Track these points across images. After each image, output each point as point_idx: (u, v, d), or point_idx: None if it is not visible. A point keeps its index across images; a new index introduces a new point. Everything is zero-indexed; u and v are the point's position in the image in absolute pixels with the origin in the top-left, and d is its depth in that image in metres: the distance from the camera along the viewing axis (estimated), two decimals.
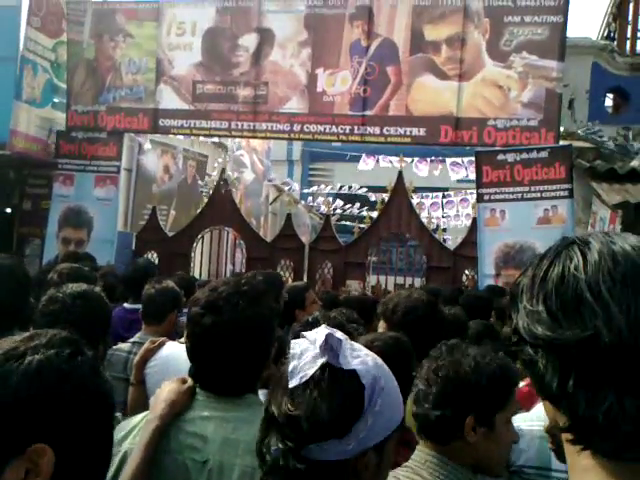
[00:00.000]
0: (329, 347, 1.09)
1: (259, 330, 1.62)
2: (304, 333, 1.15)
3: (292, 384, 1.08)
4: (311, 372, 1.08)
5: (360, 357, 1.12)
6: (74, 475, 0.94)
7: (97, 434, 0.98)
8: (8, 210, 8.42)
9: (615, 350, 0.70)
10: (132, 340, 3.16)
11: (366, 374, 1.09)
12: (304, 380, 1.07)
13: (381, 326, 2.56)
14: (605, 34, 10.10)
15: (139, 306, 3.46)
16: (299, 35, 7.34)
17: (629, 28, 9.89)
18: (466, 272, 7.58)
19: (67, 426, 0.92)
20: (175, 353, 2.57)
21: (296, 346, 1.13)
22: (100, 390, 0.99)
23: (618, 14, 9.90)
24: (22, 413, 0.89)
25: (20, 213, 8.27)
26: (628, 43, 9.83)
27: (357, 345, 1.16)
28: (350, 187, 14.15)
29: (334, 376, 1.08)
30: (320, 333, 1.11)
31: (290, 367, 1.10)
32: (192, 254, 8.22)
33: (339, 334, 1.13)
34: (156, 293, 3.27)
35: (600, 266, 0.74)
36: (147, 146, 9.25)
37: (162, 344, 2.74)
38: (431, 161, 10.75)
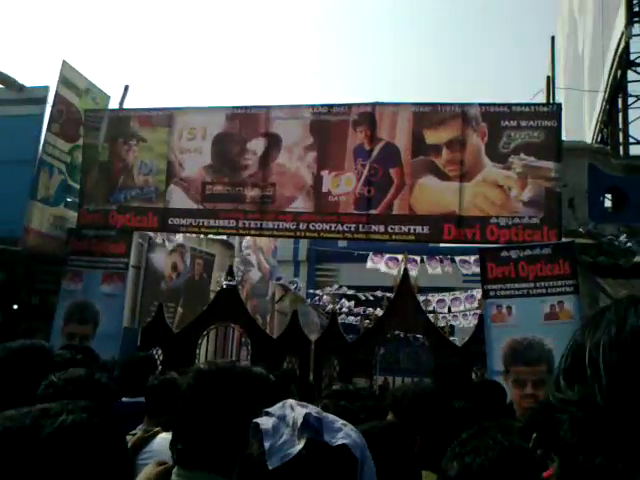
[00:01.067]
0: (310, 424, 1.04)
1: (241, 405, 1.56)
2: (268, 410, 1.10)
3: (272, 465, 0.99)
4: (295, 451, 1.00)
5: (342, 430, 1.07)
6: None
7: None
8: (15, 306, 8.46)
9: (604, 412, 0.71)
10: (133, 432, 3.10)
11: (355, 447, 1.04)
12: (285, 460, 0.99)
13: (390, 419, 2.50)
14: (598, 138, 10.50)
15: (139, 399, 3.40)
16: (305, 140, 7.65)
17: (620, 134, 10.32)
18: (475, 369, 7.45)
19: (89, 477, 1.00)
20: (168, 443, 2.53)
21: (264, 424, 1.06)
22: (120, 449, 1.09)
23: (609, 121, 10.33)
24: (50, 464, 0.97)
25: (27, 308, 8.31)
26: (621, 147, 10.20)
27: (331, 416, 1.11)
28: (356, 287, 14.21)
29: (324, 453, 1.01)
30: (295, 410, 1.07)
31: (266, 446, 1.02)
32: (197, 351, 8.16)
33: (313, 409, 1.08)
34: (159, 385, 3.24)
35: (604, 332, 0.77)
36: (158, 240, 9.39)
37: (155, 434, 2.68)
38: (440, 260, 10.85)
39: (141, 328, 8.55)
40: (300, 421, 1.03)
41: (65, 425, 1.01)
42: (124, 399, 3.82)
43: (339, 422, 1.09)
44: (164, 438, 2.63)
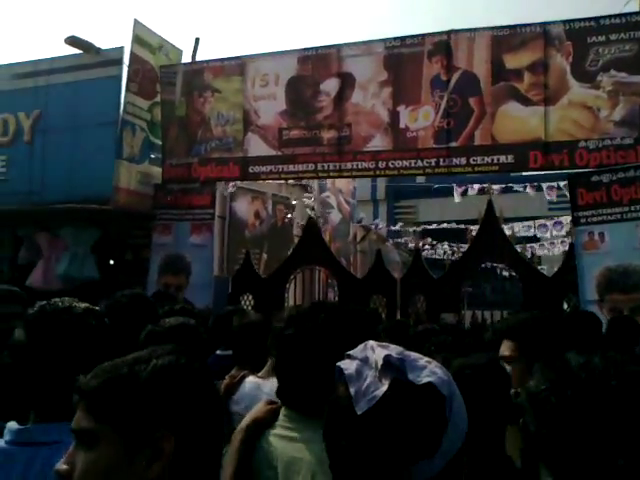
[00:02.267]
0: (393, 365, 1.03)
1: (337, 345, 1.55)
2: (350, 353, 1.10)
3: (360, 409, 0.99)
4: (380, 393, 0.99)
5: (427, 367, 1.05)
6: (190, 457, 1.11)
7: (208, 423, 1.16)
8: (111, 262, 8.94)
9: None
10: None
11: (442, 384, 1.02)
12: (372, 404, 0.99)
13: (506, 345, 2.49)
14: None
15: (229, 352, 3.49)
16: (379, 76, 7.49)
17: None
18: (566, 300, 7.30)
19: (184, 416, 1.11)
20: (257, 388, 2.61)
21: (346, 368, 1.06)
22: (209, 387, 1.19)
23: None
24: (150, 405, 1.08)
25: (122, 263, 8.77)
26: None
27: (414, 354, 1.08)
28: (438, 222, 14.03)
29: (410, 394, 1.00)
30: (375, 351, 1.06)
31: (352, 391, 1.01)
32: (286, 295, 8.39)
33: (394, 349, 1.07)
34: (241, 330, 3.29)
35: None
36: (230, 190, 9.54)
37: (243, 378, 2.74)
38: (525, 187, 10.50)
39: (231, 276, 8.83)
40: (381, 362, 1.03)
41: (157, 368, 1.12)
42: (218, 352, 3.87)
43: (423, 360, 1.07)
44: (252, 382, 2.70)
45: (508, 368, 2.33)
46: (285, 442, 1.61)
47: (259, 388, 2.64)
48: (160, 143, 8.60)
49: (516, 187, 11.06)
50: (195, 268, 8.05)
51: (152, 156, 8.74)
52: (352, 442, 1.00)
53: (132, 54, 8.18)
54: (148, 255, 8.33)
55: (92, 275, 8.37)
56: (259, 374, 2.74)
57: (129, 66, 8.18)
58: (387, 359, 1.03)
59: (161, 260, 8.21)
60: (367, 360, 1.05)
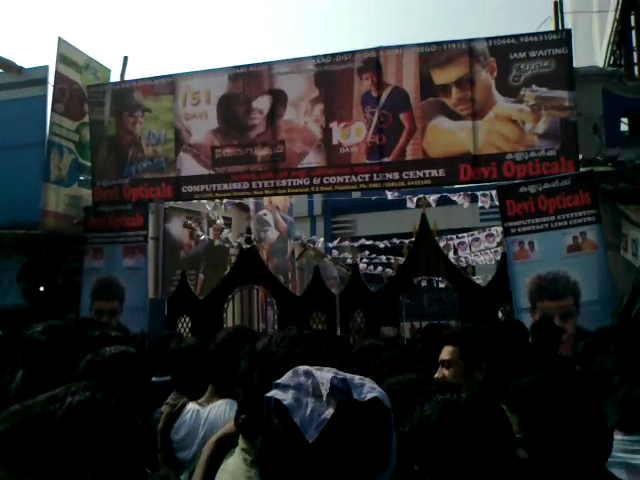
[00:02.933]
0: (336, 387, 1.03)
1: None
2: (278, 382, 1.08)
3: (311, 438, 0.98)
4: (328, 415, 0.99)
5: (365, 384, 1.06)
6: None
7: (127, 457, 1.13)
8: (41, 288, 8.61)
9: None
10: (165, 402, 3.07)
11: (384, 398, 1.04)
12: (321, 428, 0.98)
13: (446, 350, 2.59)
14: (611, 61, 10.21)
15: (166, 378, 3.42)
16: (311, 93, 7.56)
17: (635, 54, 10.02)
18: (501, 308, 7.49)
19: (103, 452, 1.07)
20: (197, 415, 2.54)
21: (283, 399, 1.03)
22: (127, 421, 1.15)
23: (621, 42, 10.03)
24: (67, 445, 1.03)
25: (54, 289, 8.45)
26: (636, 68, 9.93)
27: (349, 374, 1.09)
28: (374, 237, 14.20)
29: (358, 411, 1.01)
30: (312, 376, 1.06)
31: (297, 421, 1.00)
32: (224, 315, 8.27)
33: (332, 371, 1.07)
34: (180, 355, 3.20)
35: None
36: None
37: (183, 406, 2.66)
38: (461, 195, 10.74)
39: (167, 298, 8.65)
40: (328, 386, 1.02)
41: (72, 406, 1.08)
42: (154, 378, 3.74)
43: (357, 377, 1.08)
44: (192, 409, 2.62)
45: (446, 372, 2.48)
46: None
47: (199, 415, 2.58)
48: (89, 164, 8.39)
49: (450, 198, 11.30)
50: (129, 291, 7.86)
51: (81, 178, 8.52)
52: (304, 471, 0.98)
53: (57, 73, 7.97)
54: (80, 280, 8.07)
55: (17, 302, 8.04)
56: (199, 400, 2.66)
57: (54, 86, 7.97)
58: (332, 381, 1.03)
59: (93, 285, 8.00)
60: (301, 386, 1.04)
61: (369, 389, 1.05)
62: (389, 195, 11.16)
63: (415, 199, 10.83)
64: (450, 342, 2.58)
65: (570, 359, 3.78)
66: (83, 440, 1.04)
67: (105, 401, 1.12)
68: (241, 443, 1.61)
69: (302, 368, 1.09)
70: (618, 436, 1.80)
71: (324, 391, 1.02)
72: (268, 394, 1.07)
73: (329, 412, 0.99)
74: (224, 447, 1.69)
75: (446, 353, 2.56)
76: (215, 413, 2.52)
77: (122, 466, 1.09)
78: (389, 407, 1.04)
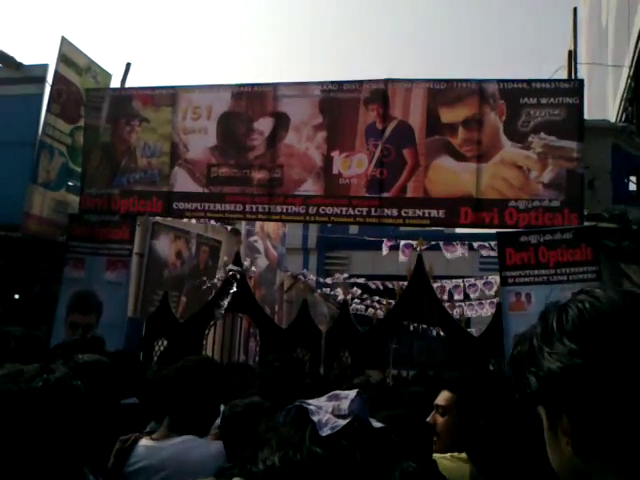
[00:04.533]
0: (359, 404, 1.16)
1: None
2: (306, 401, 1.21)
3: (324, 432, 1.10)
4: (343, 423, 1.12)
5: (374, 420, 1.20)
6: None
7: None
8: (16, 296, 8.57)
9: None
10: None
11: (390, 432, 1.17)
12: (337, 429, 1.10)
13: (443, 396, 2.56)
14: (623, 117, 10.40)
15: (131, 401, 3.39)
16: (314, 119, 7.67)
17: None
18: (492, 362, 7.47)
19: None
20: (152, 452, 2.46)
21: (309, 406, 1.17)
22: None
23: (634, 99, 10.23)
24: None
25: (29, 297, 8.42)
26: None
27: None
28: (368, 276, 14.22)
29: (369, 431, 1.13)
30: (347, 393, 1.19)
31: (315, 419, 1.13)
32: (204, 342, 8.23)
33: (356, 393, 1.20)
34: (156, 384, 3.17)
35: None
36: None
37: (135, 442, 2.57)
38: (456, 245, 10.82)
39: (145, 318, 8.62)
40: (347, 403, 1.14)
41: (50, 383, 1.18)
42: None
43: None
44: (146, 445, 2.53)
45: (439, 419, 2.44)
46: None
47: (155, 453, 2.50)
48: (79, 170, 8.44)
49: (445, 246, 11.37)
50: (108, 307, 7.81)
51: (70, 183, 8.56)
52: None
53: (57, 73, 8.09)
54: (58, 289, 8.03)
55: None
56: (154, 436, 2.61)
57: (52, 85, 8.08)
58: (358, 395, 1.16)
59: (71, 296, 7.95)
60: (321, 407, 1.16)
61: (379, 423, 1.18)
62: (385, 242, 11.26)
63: (408, 250, 10.88)
64: (448, 387, 2.53)
65: None
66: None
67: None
68: None
69: (336, 392, 1.22)
70: None
71: (337, 411, 1.14)
72: (294, 405, 1.18)
73: (344, 422, 1.11)
74: None
75: (442, 398, 2.51)
76: (176, 451, 2.42)
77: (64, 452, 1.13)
78: (395, 440, 1.16)
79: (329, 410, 1.16)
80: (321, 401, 1.20)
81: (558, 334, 0.90)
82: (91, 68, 8.67)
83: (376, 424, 1.16)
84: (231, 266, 8.55)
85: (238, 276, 8.49)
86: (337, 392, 1.22)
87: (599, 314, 0.88)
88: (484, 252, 10.98)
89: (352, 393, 1.18)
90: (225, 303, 8.24)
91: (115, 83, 8.92)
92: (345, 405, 1.15)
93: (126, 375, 3.72)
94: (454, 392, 2.47)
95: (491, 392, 2.46)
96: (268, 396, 2.80)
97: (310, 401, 1.20)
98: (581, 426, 0.85)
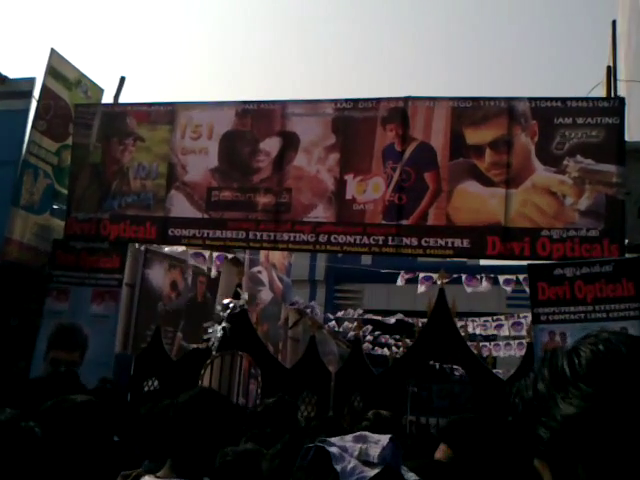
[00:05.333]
0: (391, 451, 1.14)
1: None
2: (327, 439, 1.19)
3: None
4: (371, 474, 1.10)
5: (409, 471, 1.17)
6: None
7: None
8: None
9: None
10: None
11: None
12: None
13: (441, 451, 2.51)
14: None
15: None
16: (326, 139, 7.69)
17: None
18: None
19: None
20: None
21: (330, 448, 1.15)
22: None
23: None
24: None
25: (5, 330, 8.38)
26: None
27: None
28: (383, 312, 14.17)
29: None
30: (378, 437, 1.17)
31: (337, 468, 1.11)
32: (200, 382, 8.16)
33: (389, 438, 1.18)
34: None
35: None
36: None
37: (138, 477, 2.61)
38: (481, 278, 10.76)
39: (135, 355, 8.57)
40: (386, 441, 1.13)
41: None
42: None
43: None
44: None
45: None
46: None
47: None
48: (66, 192, 8.49)
49: (472, 279, 11.31)
50: (93, 343, 7.79)
51: (55, 207, 8.61)
52: None
53: (44, 87, 8.17)
54: (38, 322, 8.01)
55: None
56: (158, 474, 2.60)
57: (39, 101, 8.15)
58: (392, 441, 1.15)
59: (52, 330, 7.93)
60: (346, 449, 1.13)
61: (414, 476, 1.17)
62: (402, 274, 11.20)
63: (427, 283, 10.81)
64: (445, 441, 2.49)
65: None
66: None
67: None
68: None
69: (363, 433, 1.20)
70: None
71: (364, 456, 1.12)
72: (313, 444, 1.16)
73: (372, 472, 1.09)
74: None
75: (441, 452, 2.47)
76: None
77: None
78: None
79: (355, 454, 1.13)
80: (346, 441, 1.16)
81: (572, 379, 0.91)
82: (82, 82, 8.75)
83: (409, 475, 1.15)
84: (231, 300, 8.51)
85: (238, 310, 8.45)
86: (366, 433, 1.19)
87: (615, 356, 0.90)
88: (509, 288, 10.91)
89: (384, 438, 1.15)
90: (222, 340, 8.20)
91: (108, 98, 9.03)
92: (375, 451, 1.12)
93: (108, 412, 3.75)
94: (451, 447, 2.43)
95: (494, 444, 2.38)
96: (258, 437, 2.81)
97: (333, 440, 1.16)
98: (600, 475, 0.85)
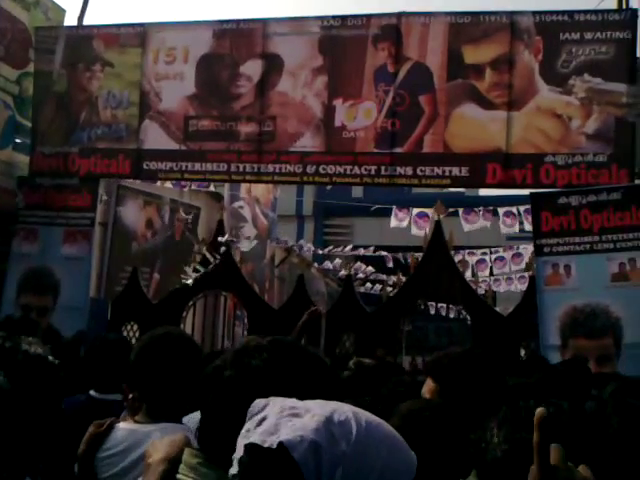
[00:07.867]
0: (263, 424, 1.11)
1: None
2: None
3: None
4: (234, 462, 1.11)
5: (297, 422, 1.08)
6: None
7: None
8: None
9: None
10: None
11: (299, 444, 1.04)
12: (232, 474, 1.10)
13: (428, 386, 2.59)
14: None
15: (111, 397, 3.48)
16: (313, 61, 7.60)
17: None
18: (523, 344, 7.52)
19: None
20: (134, 436, 2.53)
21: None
22: None
23: None
24: None
25: None
26: None
27: (302, 405, 1.15)
28: (375, 248, 14.20)
29: (258, 459, 1.07)
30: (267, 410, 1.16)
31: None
32: (182, 326, 8.24)
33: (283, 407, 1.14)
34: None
35: None
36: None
37: (110, 426, 2.62)
38: (480, 211, 10.77)
39: (111, 299, 8.62)
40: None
41: None
42: (92, 393, 3.77)
43: (310, 411, 1.13)
44: (126, 428, 2.60)
45: None
46: None
47: (136, 436, 2.55)
48: (29, 125, 8.39)
49: (470, 213, 11.31)
50: (66, 286, 7.82)
51: (18, 141, 8.52)
52: None
53: None
54: (5, 266, 8.03)
55: None
56: (136, 417, 2.66)
57: None
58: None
59: (21, 274, 7.95)
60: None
61: (290, 431, 1.06)
62: (395, 211, 11.19)
63: (422, 221, 10.78)
64: (431, 375, 2.58)
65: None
66: None
67: None
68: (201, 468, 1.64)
69: (276, 400, 1.18)
70: None
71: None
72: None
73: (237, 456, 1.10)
74: (173, 473, 1.68)
75: (427, 389, 2.56)
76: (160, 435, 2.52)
77: None
78: (295, 457, 1.03)
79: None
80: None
81: None
82: (40, 1, 8.54)
83: (280, 436, 1.09)
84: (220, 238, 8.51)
85: (223, 248, 8.47)
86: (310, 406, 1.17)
87: None
88: (508, 221, 10.94)
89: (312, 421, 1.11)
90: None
91: (71, 20, 8.81)
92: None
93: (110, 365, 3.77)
94: (436, 382, 2.52)
95: (480, 378, 2.49)
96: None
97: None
98: None
